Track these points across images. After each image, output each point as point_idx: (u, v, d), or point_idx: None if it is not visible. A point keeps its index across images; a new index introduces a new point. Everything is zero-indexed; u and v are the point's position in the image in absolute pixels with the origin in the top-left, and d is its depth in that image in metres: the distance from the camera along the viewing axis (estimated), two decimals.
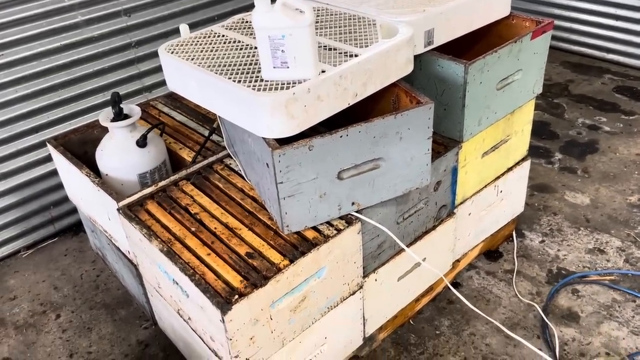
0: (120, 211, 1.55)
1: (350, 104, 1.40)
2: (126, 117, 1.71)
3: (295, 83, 1.30)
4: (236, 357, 1.32)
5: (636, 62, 3.43)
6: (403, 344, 1.87)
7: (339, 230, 1.44)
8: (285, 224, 1.40)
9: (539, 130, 2.93)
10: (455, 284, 2.08)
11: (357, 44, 1.46)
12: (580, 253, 2.17)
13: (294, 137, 1.31)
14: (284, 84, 1.30)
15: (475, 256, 2.14)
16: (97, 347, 1.95)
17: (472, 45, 1.97)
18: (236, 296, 1.26)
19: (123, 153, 1.69)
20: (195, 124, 1.96)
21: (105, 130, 1.77)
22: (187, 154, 1.80)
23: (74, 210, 2.45)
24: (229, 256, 1.39)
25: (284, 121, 1.28)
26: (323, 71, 1.33)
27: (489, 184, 1.95)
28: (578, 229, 2.29)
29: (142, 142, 1.69)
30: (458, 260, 2.04)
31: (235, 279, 1.32)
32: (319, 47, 1.46)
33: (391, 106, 1.57)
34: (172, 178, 1.66)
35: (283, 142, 1.31)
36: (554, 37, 3.72)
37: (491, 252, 2.20)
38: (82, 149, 1.96)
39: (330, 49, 1.46)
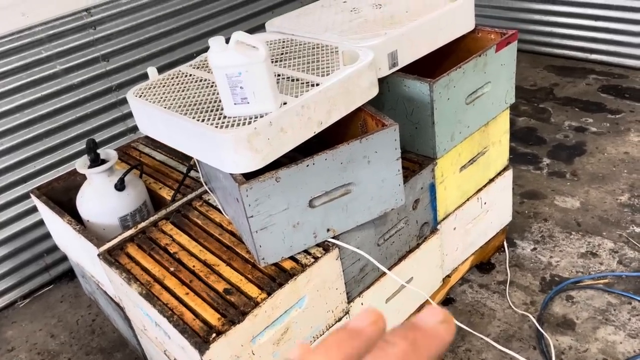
0: (101, 257, 1.57)
1: (317, 132, 1.42)
2: (103, 162, 1.73)
3: (257, 117, 1.32)
4: None
5: (619, 60, 3.43)
6: None
7: (316, 258, 1.44)
8: (261, 257, 1.41)
9: (526, 136, 2.93)
10: (449, 300, 2.06)
11: (319, 72, 1.48)
12: (573, 258, 2.15)
13: (264, 168, 1.32)
14: (246, 119, 1.32)
15: (466, 270, 2.13)
16: None
17: (441, 61, 1.98)
18: (214, 335, 1.27)
19: (102, 198, 1.71)
20: (175, 162, 1.98)
21: (85, 176, 1.79)
22: (166, 193, 1.82)
23: (67, 257, 2.47)
24: (207, 294, 1.39)
25: (249, 156, 1.30)
26: (285, 103, 1.35)
27: (471, 197, 1.95)
28: (570, 233, 2.27)
29: (120, 186, 1.71)
30: (449, 276, 2.03)
31: (213, 317, 1.32)
32: (282, 78, 1.49)
33: (359, 130, 1.59)
34: (152, 219, 1.67)
35: (253, 174, 1.32)
36: (536, 43, 3.74)
37: (483, 264, 2.19)
38: (66, 196, 1.98)
39: (293, 80, 1.48)
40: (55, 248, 2.43)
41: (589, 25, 3.47)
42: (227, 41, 1.28)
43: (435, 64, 1.97)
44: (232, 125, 1.31)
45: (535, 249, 2.23)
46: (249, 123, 1.30)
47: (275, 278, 1.40)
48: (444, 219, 1.87)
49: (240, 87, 1.29)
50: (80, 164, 1.72)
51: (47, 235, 2.38)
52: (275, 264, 1.44)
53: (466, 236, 2.01)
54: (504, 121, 1.96)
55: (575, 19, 3.51)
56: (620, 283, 2.01)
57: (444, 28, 1.76)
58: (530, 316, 1.93)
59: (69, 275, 2.50)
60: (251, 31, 2.74)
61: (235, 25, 2.73)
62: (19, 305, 2.40)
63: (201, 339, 1.26)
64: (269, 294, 1.35)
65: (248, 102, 1.31)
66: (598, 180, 2.54)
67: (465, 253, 2.05)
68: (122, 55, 2.43)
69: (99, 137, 2.44)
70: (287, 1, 2.90)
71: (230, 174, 1.34)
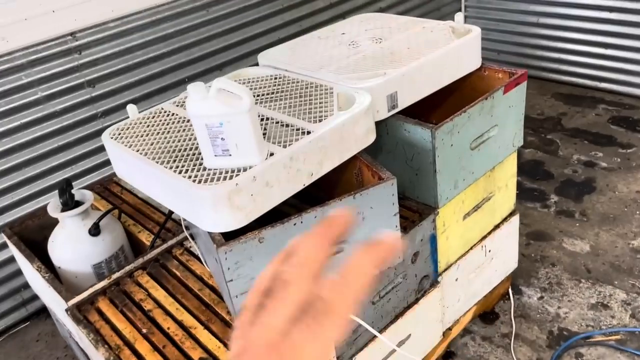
0: (69, 312, 1.43)
1: (307, 185, 1.29)
2: (78, 203, 1.60)
3: (240, 171, 1.19)
4: None
5: (630, 89, 3.31)
6: None
7: None
8: None
9: (533, 170, 2.80)
10: (449, 354, 1.92)
11: (311, 118, 1.35)
12: (583, 309, 2.01)
13: (248, 225, 1.19)
14: (227, 172, 1.19)
15: (469, 320, 1.99)
16: None
17: (445, 97, 1.85)
18: None
19: (75, 244, 1.58)
20: (158, 202, 1.85)
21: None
22: (146, 237, 1.69)
23: None
24: None
25: (229, 214, 1.17)
26: (272, 154, 1.22)
27: (474, 245, 1.81)
28: (579, 281, 2.13)
29: (94, 231, 1.58)
30: (450, 328, 1.89)
31: None
32: (272, 122, 1.36)
33: (354, 179, 1.46)
34: (127, 269, 1.54)
35: (236, 231, 1.19)
36: (544, 69, 3.63)
37: (487, 314, 2.05)
38: (41, 235, 1.84)
39: (282, 125, 1.35)
40: None
41: (599, 53, 3.35)
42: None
43: (438, 101, 1.84)
44: (212, 180, 1.18)
45: (542, 297, 2.08)
46: (231, 178, 1.17)
47: None
48: (445, 270, 1.73)
49: (222, 139, 1.17)
50: (53, 207, 1.59)
51: None
52: None
53: (469, 286, 1.87)
54: (511, 165, 1.83)
55: (584, 46, 3.39)
56: (634, 340, 1.87)
57: (447, 67, 1.64)
58: None
59: (47, 311, 2.36)
60: (245, 56, 2.63)
61: (229, 49, 2.61)
62: None
63: None
64: None
65: (230, 155, 1.18)
66: (609, 221, 2.40)
67: (468, 304, 1.91)
68: (108, 80, 2.31)
69: (81, 166, 2.31)
70: (282, 26, 2.78)
71: (208, 232, 1.20)
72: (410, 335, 1.67)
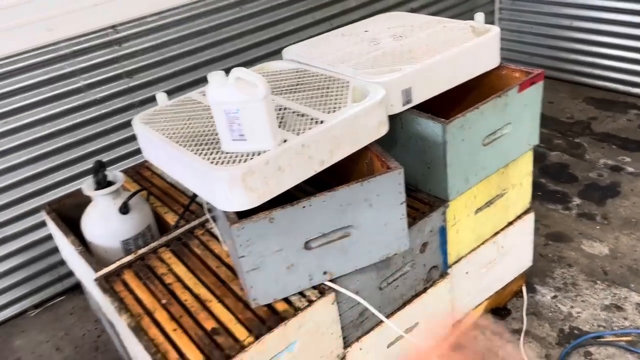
0: (97, 282, 1.55)
1: (318, 171, 1.36)
2: (110, 184, 1.72)
3: (254, 155, 1.27)
4: None
5: None
6: None
7: (310, 302, 1.38)
8: (253, 298, 1.36)
9: (557, 173, 2.80)
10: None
11: (325, 109, 1.43)
12: (596, 310, 2.02)
13: (262, 205, 1.28)
14: (242, 156, 1.28)
15: (480, 315, 2.02)
16: None
17: (464, 95, 1.90)
18: None
19: (106, 221, 1.70)
20: (185, 186, 1.96)
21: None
22: (171, 218, 1.80)
23: None
24: (195, 332, 1.35)
25: (243, 194, 1.25)
26: (285, 140, 1.31)
27: (486, 240, 1.85)
28: (594, 282, 2.14)
29: (124, 210, 1.69)
30: (460, 321, 1.93)
31: (197, 359, 1.27)
32: (289, 112, 1.44)
33: (366, 169, 1.52)
34: (152, 245, 1.65)
35: (250, 211, 1.28)
36: (577, 73, 3.60)
37: (499, 310, 2.08)
38: (77, 213, 1.97)
39: (299, 115, 1.43)
40: None
41: (633, 58, 3.31)
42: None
43: (458, 99, 1.89)
44: (228, 162, 1.27)
45: (555, 296, 2.10)
46: (245, 161, 1.25)
47: (266, 320, 1.35)
48: (455, 262, 1.78)
49: (238, 124, 1.26)
50: (87, 186, 1.72)
51: None
52: (268, 305, 1.39)
53: (480, 281, 1.91)
54: (527, 163, 1.86)
55: (618, 51, 3.36)
56: None
57: (464, 65, 1.69)
58: None
59: (80, 287, 2.51)
60: (275, 53, 2.73)
61: (260, 45, 2.71)
62: (30, 314, 2.43)
63: None
64: (256, 338, 1.30)
65: (245, 139, 1.27)
66: (630, 225, 2.39)
67: (479, 298, 1.95)
68: (145, 72, 2.44)
69: (117, 152, 2.45)
70: (313, 24, 2.87)
71: (223, 211, 1.30)
72: (417, 323, 1.72)
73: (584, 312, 2.02)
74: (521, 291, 2.13)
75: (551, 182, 2.74)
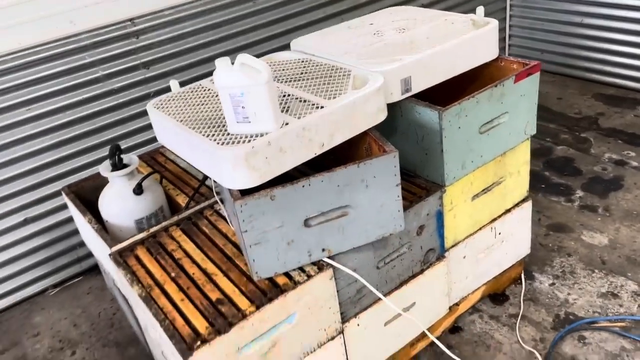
0: (111, 256, 1.66)
1: (318, 154, 1.45)
2: (126, 166, 1.83)
3: (257, 136, 1.36)
4: None
5: None
6: None
7: (309, 277, 1.47)
8: (255, 271, 1.45)
9: (562, 166, 2.85)
10: (456, 328, 2.04)
11: (327, 95, 1.51)
12: (592, 297, 2.07)
13: (268, 184, 1.36)
14: (246, 137, 1.37)
15: (477, 299, 2.09)
16: None
17: (466, 88, 1.97)
18: (198, 342, 1.32)
19: (121, 200, 1.81)
20: (196, 170, 2.06)
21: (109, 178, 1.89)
22: (182, 200, 1.90)
23: None
24: (201, 302, 1.44)
25: (246, 173, 1.34)
26: (287, 123, 1.39)
27: (484, 226, 1.92)
28: (592, 271, 2.19)
29: (137, 190, 1.80)
30: (457, 304, 2.00)
31: (202, 325, 1.37)
32: (293, 98, 1.53)
33: (364, 154, 1.60)
34: (163, 224, 1.75)
35: (254, 190, 1.37)
36: (587, 69, 3.63)
37: (497, 295, 2.15)
38: (95, 195, 2.09)
39: (301, 101, 1.52)
40: None
41: None
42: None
43: (458, 89, 1.96)
44: (233, 143, 1.36)
45: (553, 284, 2.16)
46: (249, 141, 1.34)
47: (267, 292, 1.44)
48: (452, 246, 1.85)
49: (242, 107, 1.35)
50: (104, 167, 1.82)
51: None
52: (270, 279, 1.48)
53: (477, 265, 1.98)
54: (524, 152, 1.92)
55: (628, 48, 3.39)
56: (638, 328, 1.92)
57: (462, 56, 1.76)
58: (537, 354, 1.87)
59: (98, 268, 2.63)
60: (287, 47, 2.81)
61: (272, 39, 2.80)
62: (50, 293, 2.55)
63: (187, 345, 1.31)
64: (257, 308, 1.39)
65: (249, 122, 1.36)
66: (631, 217, 2.43)
67: (476, 282, 2.02)
68: (161, 63, 2.54)
69: (133, 140, 2.56)
70: (324, 19, 2.95)
71: (228, 189, 1.39)
72: (414, 303, 1.80)
73: (580, 299, 2.07)
74: (520, 278, 2.19)
75: (555, 175, 2.78)
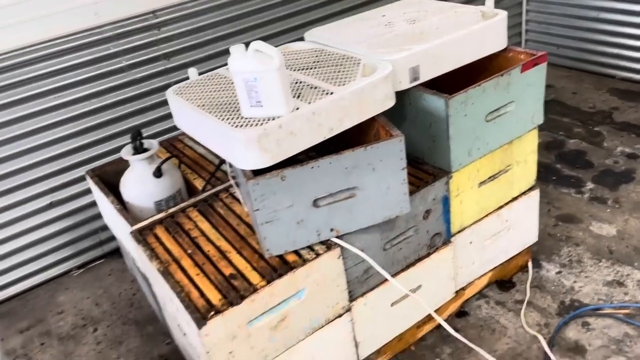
0: (132, 234, 1.75)
1: (327, 138, 1.52)
2: (146, 150, 1.92)
3: (269, 120, 1.44)
4: None
5: None
6: None
7: (318, 255, 1.54)
8: (266, 248, 1.53)
9: (574, 159, 2.87)
10: (462, 313, 2.09)
11: (337, 82, 1.58)
12: (598, 285, 2.11)
13: (280, 166, 1.44)
14: (259, 120, 1.45)
15: (484, 285, 2.14)
16: (125, 359, 2.14)
17: (475, 78, 2.02)
18: (212, 313, 1.40)
19: (141, 183, 1.90)
20: (212, 156, 2.15)
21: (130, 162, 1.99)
22: (199, 183, 1.99)
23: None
24: (215, 277, 1.53)
25: (258, 154, 1.42)
26: (297, 108, 1.47)
27: (490, 213, 1.97)
28: (599, 260, 2.23)
29: (157, 173, 1.89)
30: (464, 289, 2.06)
31: (215, 298, 1.45)
32: (305, 85, 1.60)
33: (372, 138, 1.67)
34: (181, 205, 1.84)
35: (266, 171, 1.44)
36: (602, 64, 3.64)
37: (504, 282, 2.19)
38: (117, 179, 2.19)
39: (312, 87, 1.59)
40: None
41: None
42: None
43: (468, 80, 2.01)
44: (246, 126, 1.44)
45: (560, 272, 2.20)
46: (261, 124, 1.42)
47: (277, 269, 1.52)
48: (459, 231, 1.91)
49: (255, 92, 1.42)
50: (125, 151, 1.92)
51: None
52: (280, 257, 1.56)
53: (484, 252, 2.03)
54: (531, 141, 1.97)
55: None
56: None
57: (471, 46, 1.81)
58: (541, 338, 1.92)
59: (119, 252, 2.74)
60: (301, 40, 2.88)
61: (289, 32, 2.88)
62: (73, 274, 2.67)
63: (201, 315, 1.40)
64: (268, 282, 1.47)
65: (262, 105, 1.44)
66: None
67: (483, 268, 2.07)
68: (182, 55, 2.64)
69: (154, 128, 2.66)
70: (341, 12, 3.01)
71: (241, 169, 1.47)
72: (420, 285, 1.86)
73: (586, 287, 2.11)
74: (526, 266, 2.23)
75: (567, 168, 2.81)
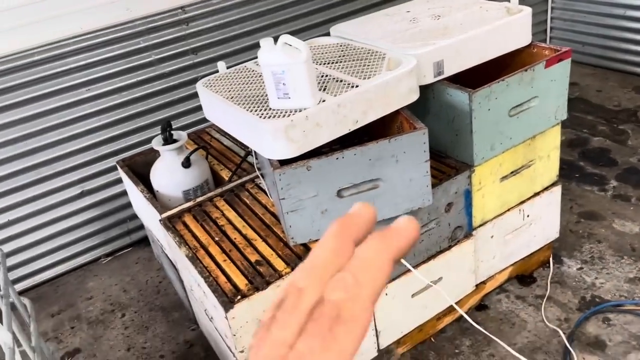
0: (161, 222, 1.81)
1: (352, 130, 1.56)
2: (175, 141, 1.98)
3: (296, 111, 1.48)
4: (241, 352, 1.50)
5: None
6: None
7: None
8: (291, 236, 1.58)
9: (597, 157, 2.86)
10: (482, 306, 2.11)
11: (362, 76, 1.62)
12: (619, 282, 2.11)
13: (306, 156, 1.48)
14: (286, 112, 1.49)
15: (504, 280, 2.16)
16: (151, 344, 2.21)
17: (499, 74, 2.03)
18: (239, 297, 1.45)
19: (170, 173, 1.96)
20: (238, 148, 2.20)
21: (159, 152, 2.05)
22: (226, 174, 2.04)
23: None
24: (241, 263, 1.58)
25: (285, 145, 1.46)
26: (323, 100, 1.51)
27: (512, 208, 1.99)
28: (621, 257, 2.23)
29: (186, 164, 1.95)
30: (484, 282, 2.08)
31: (242, 283, 1.50)
32: (330, 78, 1.64)
33: (396, 131, 1.70)
34: (209, 195, 1.90)
35: (292, 161, 1.49)
36: (628, 62, 3.60)
37: (524, 277, 2.21)
38: (146, 169, 2.26)
39: (338, 81, 1.63)
40: (137, 215, 2.75)
41: None
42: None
43: (492, 75, 2.02)
44: (274, 117, 1.48)
45: (581, 268, 2.21)
46: (288, 115, 1.46)
47: (302, 257, 1.56)
48: (480, 225, 1.93)
49: (283, 84, 1.47)
50: (156, 142, 1.98)
51: (131, 203, 2.72)
52: (304, 245, 1.60)
53: (505, 246, 2.05)
54: (554, 137, 1.98)
55: None
56: None
57: (495, 42, 1.83)
58: (561, 332, 1.94)
59: (146, 241, 2.81)
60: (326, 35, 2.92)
61: (314, 27, 2.92)
62: (102, 261, 2.75)
63: (228, 299, 1.45)
64: (292, 269, 1.52)
65: (289, 97, 1.48)
66: None
67: (504, 263, 2.09)
68: (209, 49, 2.70)
69: (182, 121, 2.73)
70: (366, 8, 3.04)
71: (269, 159, 1.51)
72: (441, 278, 1.89)
73: (607, 283, 2.12)
74: (548, 261, 2.25)
75: (590, 165, 2.80)
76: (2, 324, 1.28)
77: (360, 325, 0.34)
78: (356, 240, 0.37)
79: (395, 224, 0.38)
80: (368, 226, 0.38)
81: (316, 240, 1.60)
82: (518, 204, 2.01)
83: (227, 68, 1.90)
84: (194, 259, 1.61)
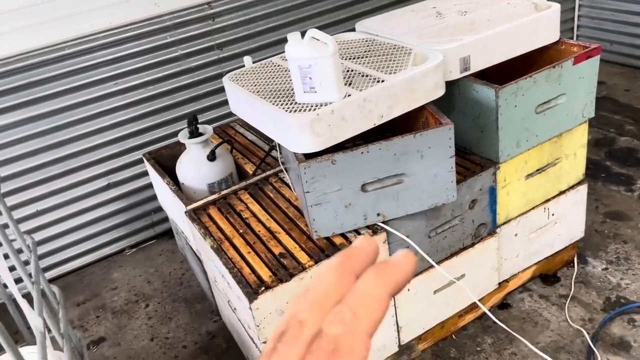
0: (187, 214, 1.84)
1: (377, 124, 1.56)
2: (201, 135, 2.01)
3: (322, 105, 1.49)
4: (264, 342, 1.52)
5: None
6: (442, 357, 1.94)
7: None
8: (314, 230, 1.59)
9: (625, 157, 2.82)
10: (505, 305, 2.10)
11: (387, 71, 1.62)
12: None
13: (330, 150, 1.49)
14: (312, 106, 1.50)
15: (528, 278, 2.14)
16: (174, 334, 2.25)
17: (527, 70, 2.01)
18: (263, 288, 1.47)
19: (196, 166, 1.99)
20: (262, 142, 2.22)
21: (185, 146, 2.08)
22: (250, 168, 2.06)
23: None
24: (265, 255, 1.60)
25: (310, 138, 1.47)
26: (349, 95, 1.51)
27: (537, 206, 1.97)
28: None
29: (211, 157, 1.97)
30: (507, 281, 2.07)
31: (266, 274, 1.52)
32: (356, 73, 1.65)
33: (421, 126, 1.70)
34: (233, 188, 1.92)
35: (317, 155, 1.50)
36: None
37: (548, 276, 2.19)
38: (172, 162, 2.29)
39: (363, 76, 1.63)
40: (161, 208, 2.79)
41: None
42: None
43: (519, 72, 2.01)
44: (300, 111, 1.49)
45: (607, 268, 2.18)
46: (314, 110, 1.47)
47: (325, 250, 1.57)
48: (504, 223, 1.92)
49: (310, 78, 1.48)
50: (182, 135, 2.01)
51: (156, 196, 2.76)
52: (327, 238, 1.61)
53: (529, 244, 2.03)
54: (581, 135, 1.96)
55: None
56: None
57: (522, 38, 1.81)
58: (585, 332, 1.92)
59: (170, 233, 2.85)
60: (351, 31, 2.92)
61: (340, 23, 2.93)
62: (127, 253, 2.80)
63: (252, 290, 1.47)
64: (316, 262, 1.53)
65: (315, 92, 1.49)
66: None
67: (527, 261, 2.08)
68: (234, 45, 2.72)
69: (206, 116, 2.76)
70: (393, 4, 3.04)
71: (294, 152, 1.52)
72: (464, 275, 1.88)
73: (633, 284, 2.09)
74: (572, 261, 2.22)
75: (617, 165, 2.76)
76: (33, 309, 1.32)
77: (357, 357, 0.34)
78: (357, 273, 0.38)
79: (393, 258, 0.38)
80: (370, 259, 0.39)
81: (340, 235, 1.61)
82: (543, 202, 1.99)
83: (253, 63, 1.92)
84: (219, 251, 1.63)
